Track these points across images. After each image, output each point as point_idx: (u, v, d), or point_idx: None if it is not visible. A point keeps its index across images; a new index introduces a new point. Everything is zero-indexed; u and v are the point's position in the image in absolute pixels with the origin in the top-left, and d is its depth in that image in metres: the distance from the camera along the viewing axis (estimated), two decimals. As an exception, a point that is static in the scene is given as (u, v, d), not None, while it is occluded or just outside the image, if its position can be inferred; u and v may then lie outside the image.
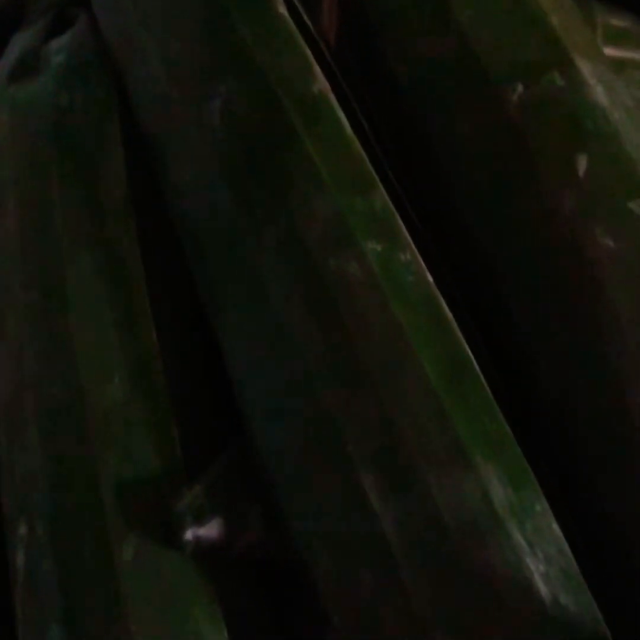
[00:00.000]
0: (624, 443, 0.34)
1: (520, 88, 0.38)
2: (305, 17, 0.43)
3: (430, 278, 0.37)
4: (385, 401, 0.35)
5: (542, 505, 0.33)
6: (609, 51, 0.49)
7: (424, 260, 0.37)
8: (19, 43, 0.50)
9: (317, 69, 0.40)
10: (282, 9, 0.42)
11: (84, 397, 0.39)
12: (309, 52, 0.41)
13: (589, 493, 0.34)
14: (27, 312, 0.41)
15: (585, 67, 0.39)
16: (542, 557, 0.32)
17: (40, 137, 0.45)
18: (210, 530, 0.36)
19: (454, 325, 0.36)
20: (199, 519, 0.36)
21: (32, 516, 0.37)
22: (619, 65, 0.48)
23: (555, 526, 0.33)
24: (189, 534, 0.36)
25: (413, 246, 0.37)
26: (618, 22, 0.51)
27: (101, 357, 0.39)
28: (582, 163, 0.37)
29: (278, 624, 0.38)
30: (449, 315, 0.36)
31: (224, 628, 0.36)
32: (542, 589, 0.32)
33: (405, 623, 0.33)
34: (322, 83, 0.40)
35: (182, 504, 0.36)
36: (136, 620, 0.35)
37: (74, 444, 0.38)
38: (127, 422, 0.38)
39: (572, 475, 0.35)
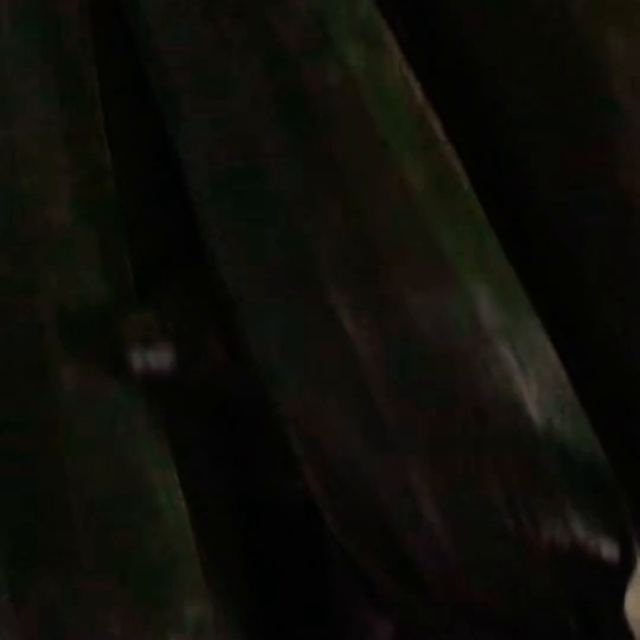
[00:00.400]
0: (629, 264, 0.30)
1: None
2: None
3: (418, 90, 0.33)
4: (363, 215, 0.31)
5: (535, 327, 0.30)
6: None
7: (412, 71, 0.34)
8: None
9: None
10: None
11: (26, 214, 0.34)
12: None
13: (589, 320, 0.31)
14: None
15: None
16: (534, 379, 0.29)
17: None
18: (161, 356, 0.32)
19: (444, 139, 0.32)
20: (148, 343, 0.32)
21: None
22: None
23: (550, 349, 0.29)
24: (136, 359, 0.32)
25: (400, 53, 0.33)
26: None
27: (48, 173, 0.35)
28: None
29: (232, 465, 0.34)
30: (439, 128, 0.32)
31: (173, 467, 0.31)
32: (534, 411, 0.28)
33: (378, 451, 0.29)
34: None
35: (129, 326, 0.32)
36: (72, 450, 0.31)
37: (13, 266, 0.34)
38: (71, 242, 0.34)
39: (572, 300, 0.31)
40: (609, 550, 0.26)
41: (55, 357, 0.32)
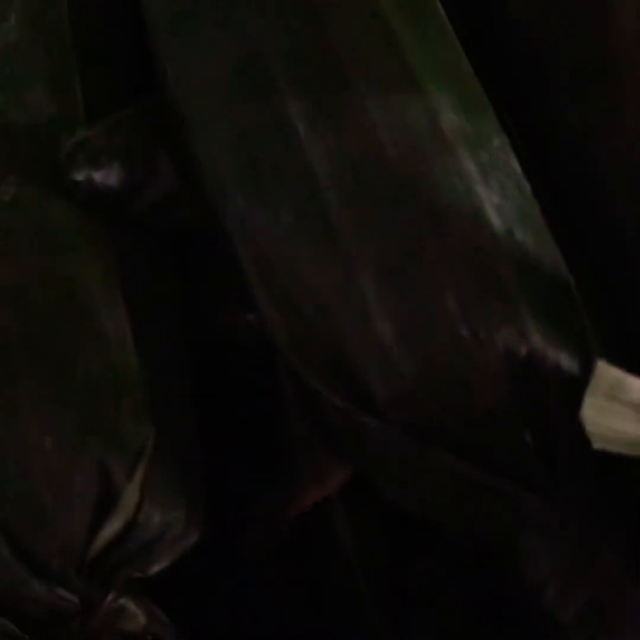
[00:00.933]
0: (598, 74, 0.28)
1: None
2: None
3: None
4: (320, 19, 0.29)
5: (500, 139, 0.28)
6: None
7: None
8: None
9: None
10: None
11: None
12: None
13: (557, 134, 0.29)
14: None
15: None
16: (496, 189, 0.27)
17: None
18: (107, 175, 0.30)
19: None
20: (95, 161, 0.30)
21: None
22: None
23: (514, 162, 0.27)
24: (80, 175, 0.30)
25: None
26: None
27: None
28: None
29: (183, 296, 0.32)
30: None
31: (117, 288, 0.30)
32: (494, 219, 0.26)
33: (330, 261, 0.27)
34: None
35: (75, 142, 0.30)
36: (10, 261, 0.29)
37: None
38: (19, 63, 0.32)
39: (540, 117, 0.29)
40: (565, 355, 0.25)
41: None
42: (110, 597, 0.27)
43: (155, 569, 0.28)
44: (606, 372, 0.24)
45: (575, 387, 0.24)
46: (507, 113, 0.29)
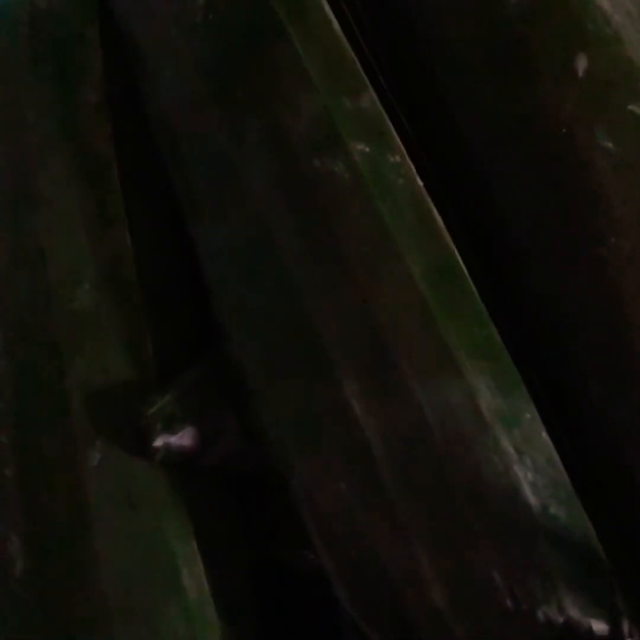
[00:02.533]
0: (618, 350, 0.32)
1: (520, -11, 0.36)
2: None
3: (419, 181, 0.35)
4: (370, 306, 0.33)
5: (531, 413, 0.32)
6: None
7: (414, 165, 0.36)
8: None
9: None
10: None
11: (51, 302, 0.37)
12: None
13: (581, 402, 0.33)
14: None
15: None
16: (530, 466, 0.31)
17: (16, 39, 0.43)
18: (182, 438, 0.34)
19: (443, 229, 0.34)
20: (170, 427, 0.34)
21: None
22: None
23: (544, 435, 0.31)
24: (158, 442, 0.34)
25: (402, 148, 0.36)
26: None
27: (71, 261, 0.37)
28: (582, 64, 0.35)
29: (249, 539, 0.36)
30: (438, 219, 0.35)
31: (193, 539, 0.34)
32: (531, 497, 0.30)
33: (387, 535, 0.31)
34: None
35: (152, 411, 0.34)
36: (101, 529, 0.33)
37: (41, 349, 0.36)
38: (97, 328, 0.36)
39: (564, 384, 0.33)
40: (599, 628, 0.29)
41: (82, 439, 0.34)
42: None
43: None
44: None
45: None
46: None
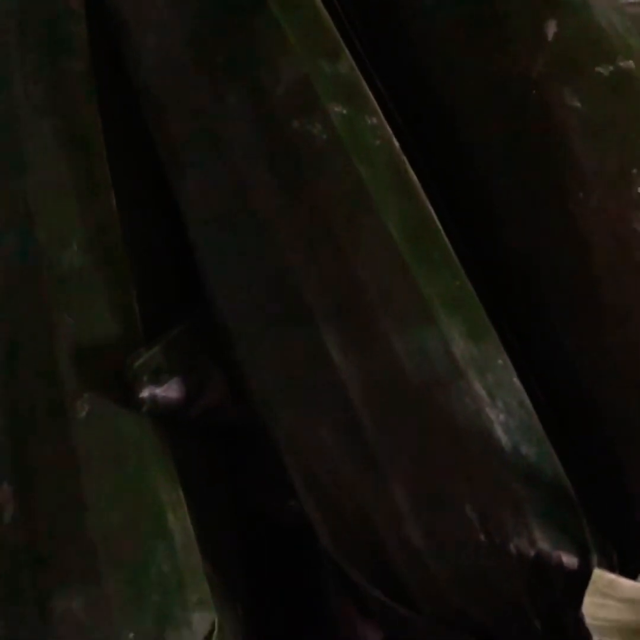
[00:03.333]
0: (587, 300, 0.33)
1: (491, -47, 0.38)
2: None
3: (396, 142, 0.36)
4: (347, 257, 0.34)
5: (503, 360, 0.33)
6: None
7: (390, 126, 0.37)
8: None
9: None
10: None
11: (41, 263, 0.38)
12: None
13: (550, 350, 0.34)
14: None
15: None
16: (502, 408, 0.32)
17: (2, 12, 0.44)
18: (168, 390, 0.35)
19: (419, 187, 0.36)
20: (156, 379, 0.35)
21: None
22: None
23: (516, 380, 0.33)
24: (145, 393, 0.35)
25: (379, 111, 0.37)
26: None
27: (59, 223, 0.38)
28: (551, 28, 0.36)
29: (232, 486, 0.37)
30: (414, 178, 0.36)
31: (179, 488, 0.35)
32: (502, 437, 0.32)
33: (366, 475, 0.32)
34: None
35: (138, 363, 0.35)
36: (89, 477, 0.34)
37: (30, 307, 0.37)
38: (84, 287, 0.37)
39: (535, 332, 0.35)
40: (568, 560, 0.30)
41: (70, 393, 0.35)
42: None
43: None
44: (601, 575, 0.29)
45: (577, 584, 0.30)
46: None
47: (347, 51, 0.38)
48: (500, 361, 0.33)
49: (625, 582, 0.29)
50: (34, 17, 0.43)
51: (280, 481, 0.35)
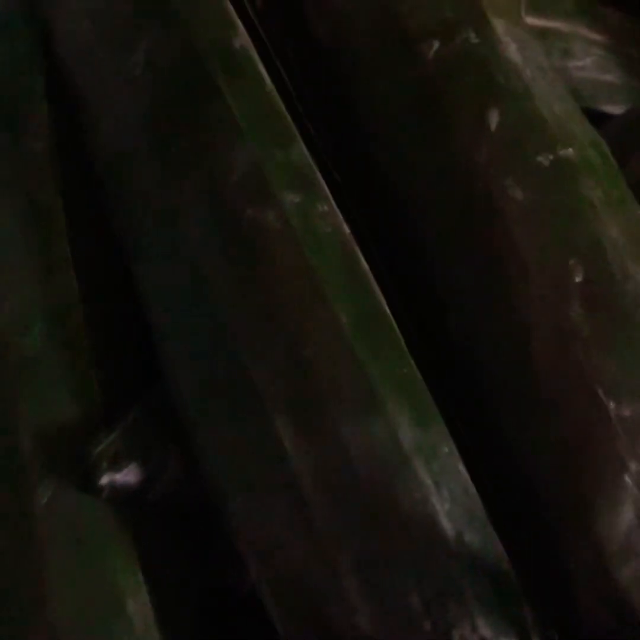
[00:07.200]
0: (526, 391, 0.35)
1: (436, 45, 0.39)
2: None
3: (347, 229, 0.38)
4: (298, 347, 0.35)
5: (449, 447, 0.34)
6: (533, 19, 0.50)
7: (342, 213, 0.38)
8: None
9: (239, 23, 0.41)
10: None
11: (2, 347, 0.39)
12: (231, 7, 0.41)
13: (493, 436, 0.35)
14: None
15: (500, 26, 0.40)
16: (447, 496, 0.33)
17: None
18: (127, 475, 0.36)
19: (369, 275, 0.37)
20: (115, 464, 0.36)
21: None
22: (542, 34, 0.50)
23: (461, 467, 0.34)
24: (104, 479, 0.36)
25: (331, 198, 0.38)
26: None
27: (19, 307, 0.39)
28: (494, 118, 0.38)
29: (196, 569, 0.38)
30: (365, 265, 0.37)
31: (140, 573, 0.36)
32: (447, 526, 0.33)
33: (316, 562, 0.33)
34: (244, 38, 0.41)
35: (98, 449, 0.36)
36: (51, 564, 0.35)
37: (-9, 392, 0.38)
38: (46, 372, 0.38)
39: (478, 419, 0.36)
40: (510, 647, 0.31)
41: (32, 477, 0.36)
42: None
43: None
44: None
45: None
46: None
47: (299, 138, 0.39)
48: (446, 448, 0.34)
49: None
50: None
51: (239, 556, 0.36)
